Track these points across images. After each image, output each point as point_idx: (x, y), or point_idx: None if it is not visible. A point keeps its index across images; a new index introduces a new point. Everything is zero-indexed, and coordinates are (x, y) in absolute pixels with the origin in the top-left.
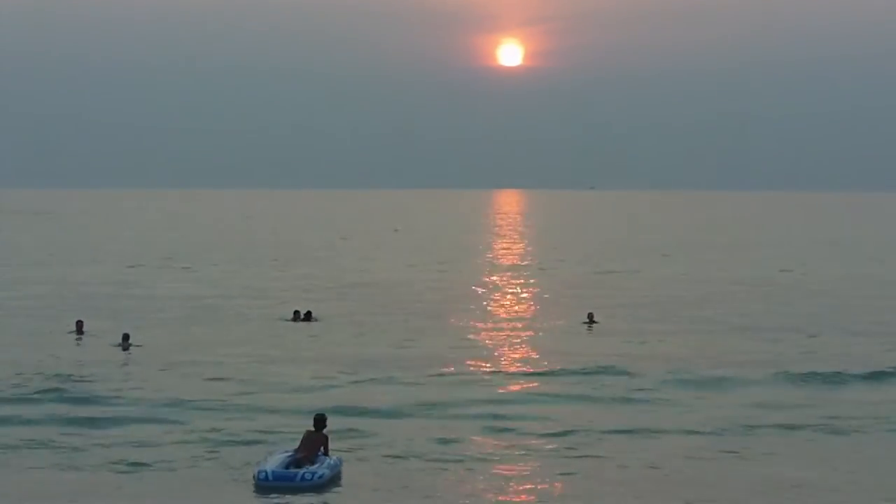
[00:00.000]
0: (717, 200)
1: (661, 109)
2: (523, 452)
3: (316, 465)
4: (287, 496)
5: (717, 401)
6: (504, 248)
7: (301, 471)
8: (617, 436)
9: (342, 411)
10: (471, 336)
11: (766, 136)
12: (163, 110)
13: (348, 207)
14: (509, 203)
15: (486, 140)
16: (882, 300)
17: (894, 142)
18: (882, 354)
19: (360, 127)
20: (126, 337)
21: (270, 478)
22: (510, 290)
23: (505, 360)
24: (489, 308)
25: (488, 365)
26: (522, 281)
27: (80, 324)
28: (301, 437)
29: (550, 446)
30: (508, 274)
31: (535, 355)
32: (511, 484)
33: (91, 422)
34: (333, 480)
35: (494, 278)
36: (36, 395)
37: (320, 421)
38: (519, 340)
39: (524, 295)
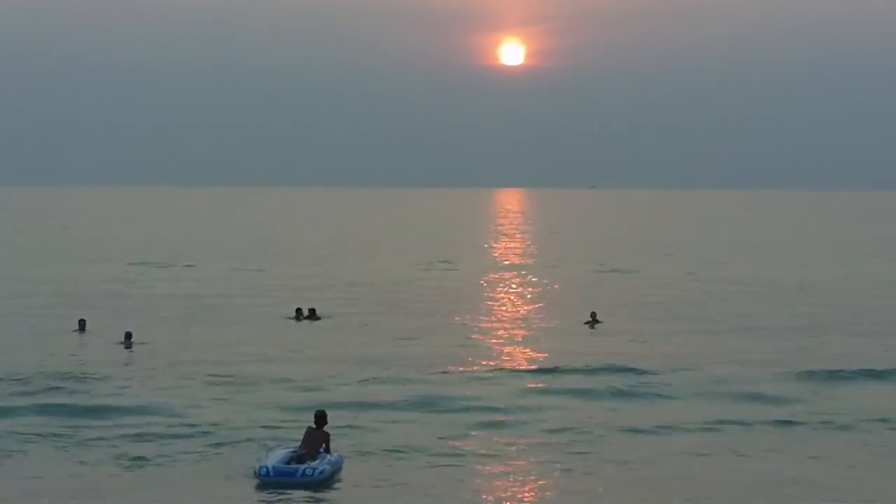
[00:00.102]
0: (717, 199)
1: (662, 108)
2: (525, 450)
3: (317, 462)
4: (288, 492)
5: (719, 399)
6: (506, 247)
7: (302, 466)
8: (619, 434)
9: (344, 408)
10: (472, 334)
11: (767, 134)
12: (163, 108)
13: (349, 206)
14: (511, 202)
15: (488, 139)
16: (883, 300)
17: (894, 140)
18: (882, 353)
19: (362, 126)
20: (129, 335)
21: (271, 473)
22: (512, 289)
23: (507, 358)
24: (491, 307)
25: (490, 363)
26: (524, 280)
27: (82, 322)
28: (303, 434)
29: (552, 444)
30: (510, 273)
31: (537, 354)
32: (512, 482)
33: (94, 419)
34: (335, 477)
35: (496, 277)
36: (39, 394)
37: (321, 418)
38: (521, 339)
39: (526, 294)
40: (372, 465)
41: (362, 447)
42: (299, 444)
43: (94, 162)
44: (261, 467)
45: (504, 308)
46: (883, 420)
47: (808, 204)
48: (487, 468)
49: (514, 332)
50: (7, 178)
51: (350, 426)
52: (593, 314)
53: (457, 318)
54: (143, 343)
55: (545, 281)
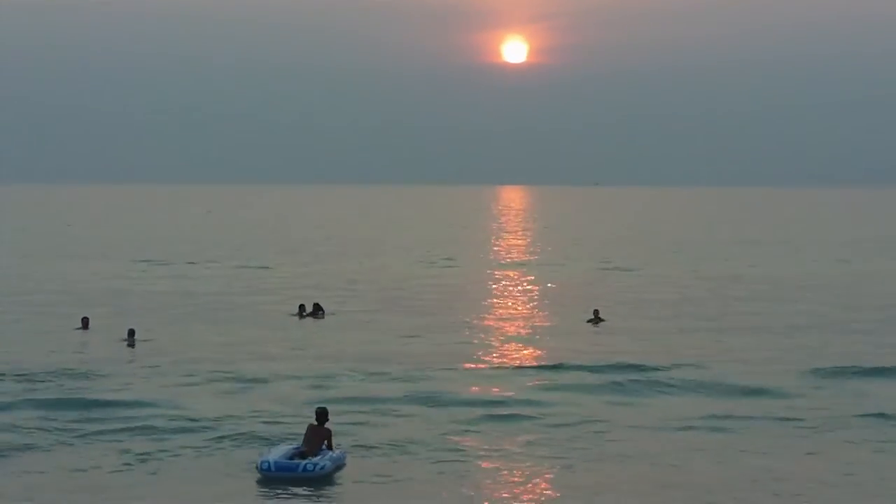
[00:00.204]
0: (719, 196)
1: (664, 106)
2: (527, 447)
3: (318, 457)
4: (289, 488)
5: (721, 396)
6: (508, 245)
7: (303, 462)
8: (621, 430)
9: (346, 404)
10: (475, 332)
11: (768, 132)
12: (164, 106)
13: (351, 204)
14: (513, 199)
15: (491, 136)
16: (885, 297)
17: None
18: (884, 351)
19: (364, 123)
20: (131, 332)
21: (273, 468)
22: (515, 287)
23: (509, 355)
24: (493, 304)
25: (492, 360)
26: (528, 277)
27: (85, 320)
28: (304, 430)
29: (554, 441)
30: (514, 270)
31: (540, 352)
32: (514, 478)
33: (97, 416)
34: (337, 473)
35: (499, 274)
36: (43, 390)
37: (322, 414)
38: (523, 337)
39: (529, 291)
40: (374, 461)
41: (365, 443)
42: (301, 441)
43: (94, 160)
44: (262, 462)
45: (507, 305)
46: (883, 416)
47: (809, 201)
48: (490, 464)
49: (517, 329)
50: (8, 176)
51: (353, 422)
52: (596, 312)
53: (459, 316)
54: (145, 340)
55: (548, 278)
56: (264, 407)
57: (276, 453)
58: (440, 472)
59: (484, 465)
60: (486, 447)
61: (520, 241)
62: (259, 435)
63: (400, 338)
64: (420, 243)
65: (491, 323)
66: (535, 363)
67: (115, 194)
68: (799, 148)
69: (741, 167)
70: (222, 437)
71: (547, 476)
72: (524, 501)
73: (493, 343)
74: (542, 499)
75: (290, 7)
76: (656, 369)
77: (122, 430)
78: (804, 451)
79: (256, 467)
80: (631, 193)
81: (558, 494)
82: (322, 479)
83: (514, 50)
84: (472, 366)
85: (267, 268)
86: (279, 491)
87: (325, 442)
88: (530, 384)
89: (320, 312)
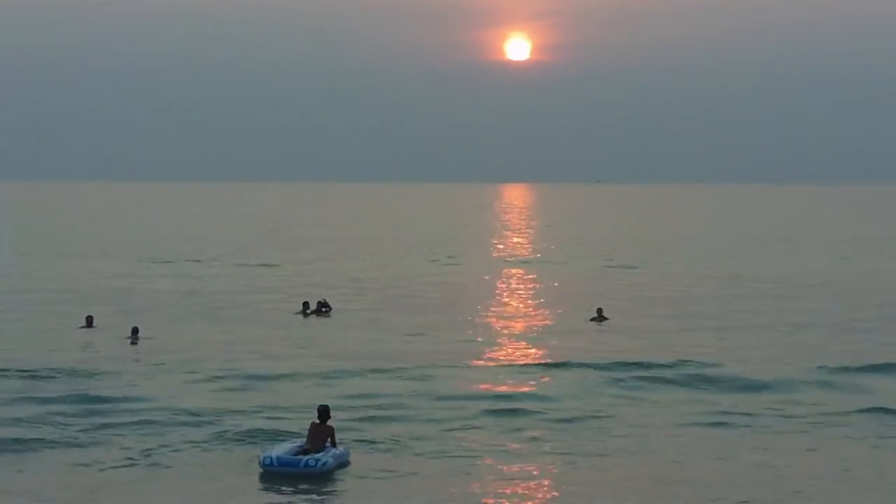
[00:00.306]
0: (721, 194)
1: (666, 104)
2: (530, 444)
3: (321, 454)
4: (292, 484)
5: (723, 393)
6: (512, 243)
7: (305, 458)
8: (624, 428)
9: (350, 402)
10: (477, 330)
11: (769, 130)
12: (164, 106)
13: (353, 202)
14: (516, 197)
15: (493, 134)
16: (886, 295)
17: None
18: (885, 348)
19: (366, 121)
20: (135, 330)
21: (275, 463)
22: (518, 285)
23: (513, 353)
24: (496, 302)
25: (496, 358)
26: (531, 275)
27: (90, 318)
28: (308, 428)
29: (557, 438)
30: (516, 268)
31: (543, 349)
32: (517, 475)
33: (101, 412)
34: (341, 469)
35: (502, 272)
36: (47, 388)
37: (324, 412)
38: (527, 334)
39: (532, 289)
40: (378, 457)
41: (369, 440)
42: (305, 439)
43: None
44: (265, 457)
45: (510, 303)
46: (883, 413)
47: (809, 198)
48: (493, 460)
49: (520, 327)
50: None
51: (356, 419)
52: (599, 310)
53: (462, 314)
54: (149, 338)
55: (551, 276)
56: (268, 404)
57: (280, 450)
58: (444, 469)
59: (487, 461)
60: (489, 444)
61: (522, 239)
62: (262, 432)
63: (403, 335)
64: (423, 241)
65: (494, 321)
66: (538, 361)
67: (116, 192)
68: (799, 147)
69: (741, 166)
70: (226, 434)
71: (550, 472)
72: (528, 497)
73: (497, 341)
74: (546, 495)
75: (290, 6)
76: (659, 366)
77: (126, 426)
78: (805, 448)
79: (259, 462)
80: (632, 191)
81: (562, 490)
82: (325, 476)
83: (517, 48)
84: (476, 363)
85: (269, 265)
86: (282, 487)
87: (329, 439)
88: (534, 381)
89: (324, 309)
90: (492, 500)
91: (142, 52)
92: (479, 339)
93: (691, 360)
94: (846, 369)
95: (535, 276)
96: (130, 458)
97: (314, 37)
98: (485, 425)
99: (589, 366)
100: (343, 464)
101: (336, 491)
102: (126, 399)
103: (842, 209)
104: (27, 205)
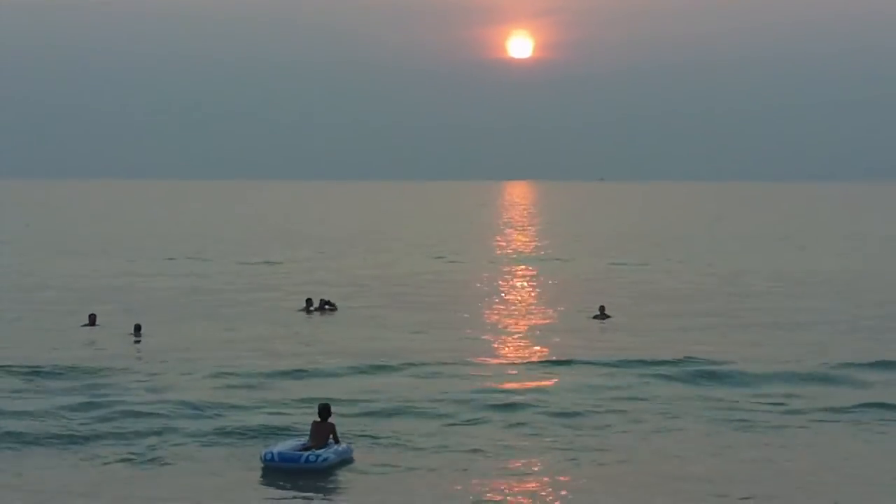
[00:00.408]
0: (720, 192)
1: (668, 101)
2: (532, 441)
3: (322, 450)
4: (295, 480)
5: (725, 391)
6: (514, 240)
7: (306, 453)
8: (625, 425)
9: (353, 399)
10: (480, 327)
11: (769, 128)
12: (164, 105)
13: (356, 199)
14: (519, 194)
15: (496, 132)
16: (886, 293)
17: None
18: (884, 346)
19: (369, 119)
20: (138, 328)
21: (276, 459)
22: (521, 282)
23: (515, 351)
24: (499, 300)
25: (498, 356)
26: (533, 273)
27: (93, 317)
28: (310, 426)
29: (559, 435)
30: (519, 266)
31: (545, 347)
32: (519, 471)
33: (103, 409)
34: (343, 465)
35: (505, 270)
36: (50, 385)
37: (325, 410)
38: (529, 332)
39: (535, 287)
40: (381, 453)
41: (371, 436)
42: (308, 437)
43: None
44: (266, 453)
45: (512, 301)
46: (884, 409)
47: (810, 196)
48: (495, 457)
49: (522, 325)
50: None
51: (359, 415)
52: (602, 308)
53: (464, 312)
54: (152, 336)
55: (553, 274)
56: (270, 401)
57: (282, 447)
58: (446, 465)
59: (489, 457)
60: (491, 440)
61: (524, 237)
62: (265, 429)
63: (405, 333)
64: (425, 239)
65: (496, 318)
66: (540, 358)
67: (117, 190)
68: (799, 145)
69: (742, 163)
70: (228, 432)
71: (552, 468)
72: (530, 493)
73: (499, 338)
74: (548, 491)
75: (290, 5)
76: (661, 364)
77: (129, 422)
78: (806, 444)
79: (260, 458)
80: (634, 189)
81: (563, 486)
82: (327, 472)
83: (519, 45)
84: (478, 360)
85: (272, 263)
86: (284, 482)
87: (331, 436)
88: (536, 378)
89: (327, 307)
90: (494, 496)
91: (142, 50)
92: (482, 337)
93: (693, 357)
94: (847, 365)
95: (537, 273)
96: (133, 454)
97: (314, 35)
98: (487, 422)
99: (591, 363)
100: (347, 460)
101: (338, 486)
102: (129, 395)
103: (841, 207)
104: (27, 202)
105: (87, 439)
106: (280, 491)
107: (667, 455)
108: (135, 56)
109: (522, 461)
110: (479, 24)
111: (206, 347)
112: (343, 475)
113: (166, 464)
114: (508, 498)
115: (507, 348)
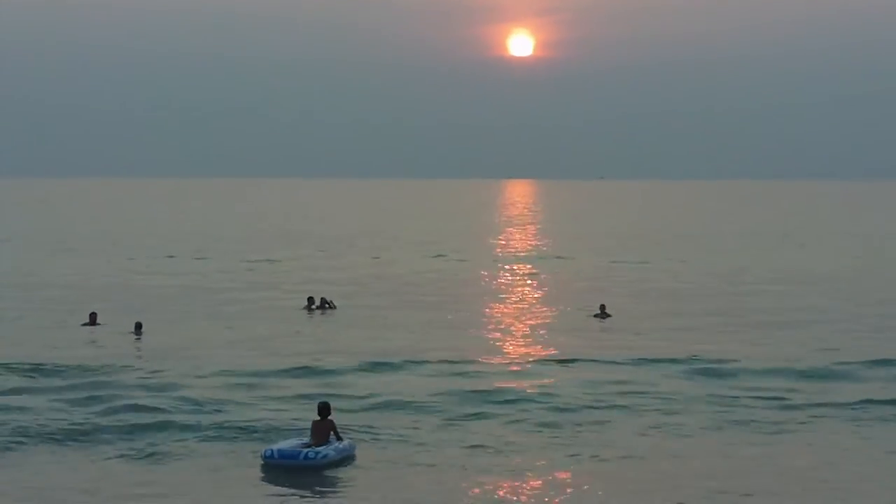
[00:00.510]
0: (722, 190)
1: (668, 100)
2: (533, 438)
3: (322, 447)
4: (295, 477)
5: (725, 389)
6: (515, 239)
7: (305, 450)
8: (626, 424)
9: (355, 397)
10: (482, 326)
11: (770, 126)
12: (164, 103)
13: (357, 198)
14: (519, 193)
15: (497, 130)
16: (886, 291)
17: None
18: (884, 344)
19: (370, 117)
20: (139, 326)
21: (276, 456)
22: (521, 281)
23: (516, 350)
24: (500, 298)
25: (499, 354)
26: (534, 271)
27: (93, 315)
28: (310, 424)
29: (560, 433)
30: (520, 264)
31: (546, 346)
32: (520, 469)
33: (104, 407)
34: (346, 463)
35: (505, 268)
36: (50, 383)
37: (324, 408)
38: (530, 331)
39: (536, 285)
40: (381, 450)
41: (372, 433)
42: (308, 436)
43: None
44: (266, 450)
45: (513, 300)
46: (884, 406)
47: (810, 194)
48: (496, 455)
49: (523, 323)
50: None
51: (360, 413)
52: (602, 307)
53: (465, 310)
54: (152, 334)
55: (554, 272)
56: (271, 399)
57: (282, 444)
58: (447, 462)
59: (490, 455)
60: (492, 438)
61: (525, 235)
62: (266, 427)
63: (407, 331)
64: (425, 237)
65: (497, 317)
66: (541, 356)
67: (117, 189)
68: (799, 143)
69: (742, 162)
70: (229, 430)
71: (553, 466)
72: (531, 491)
73: (499, 336)
74: (549, 488)
75: (291, 1)
76: (661, 362)
77: (130, 419)
78: (807, 442)
79: (261, 456)
80: (635, 187)
81: (564, 484)
82: (327, 468)
83: (520, 44)
84: (478, 359)
85: (272, 261)
86: (285, 479)
87: (333, 434)
88: (536, 376)
89: (327, 305)
90: (494, 494)
91: (142, 49)
92: (482, 335)
93: (693, 355)
94: (847, 363)
95: (537, 272)
96: (133, 451)
97: (315, 33)
98: (488, 418)
99: (591, 361)
100: (349, 457)
101: (339, 483)
102: (129, 393)
103: (841, 205)
104: (27, 200)
105: (87, 436)
106: (281, 488)
107: (667, 452)
108: (134, 53)
109: (523, 457)
110: (479, 23)
111: (206, 346)
112: (344, 471)
113: (167, 461)
114: (509, 494)
115: (507, 346)
